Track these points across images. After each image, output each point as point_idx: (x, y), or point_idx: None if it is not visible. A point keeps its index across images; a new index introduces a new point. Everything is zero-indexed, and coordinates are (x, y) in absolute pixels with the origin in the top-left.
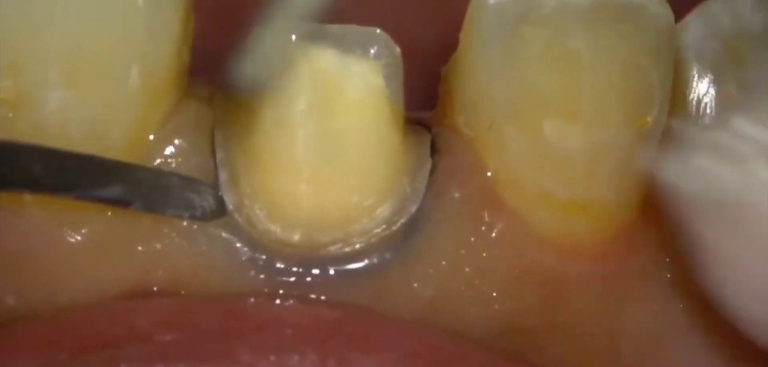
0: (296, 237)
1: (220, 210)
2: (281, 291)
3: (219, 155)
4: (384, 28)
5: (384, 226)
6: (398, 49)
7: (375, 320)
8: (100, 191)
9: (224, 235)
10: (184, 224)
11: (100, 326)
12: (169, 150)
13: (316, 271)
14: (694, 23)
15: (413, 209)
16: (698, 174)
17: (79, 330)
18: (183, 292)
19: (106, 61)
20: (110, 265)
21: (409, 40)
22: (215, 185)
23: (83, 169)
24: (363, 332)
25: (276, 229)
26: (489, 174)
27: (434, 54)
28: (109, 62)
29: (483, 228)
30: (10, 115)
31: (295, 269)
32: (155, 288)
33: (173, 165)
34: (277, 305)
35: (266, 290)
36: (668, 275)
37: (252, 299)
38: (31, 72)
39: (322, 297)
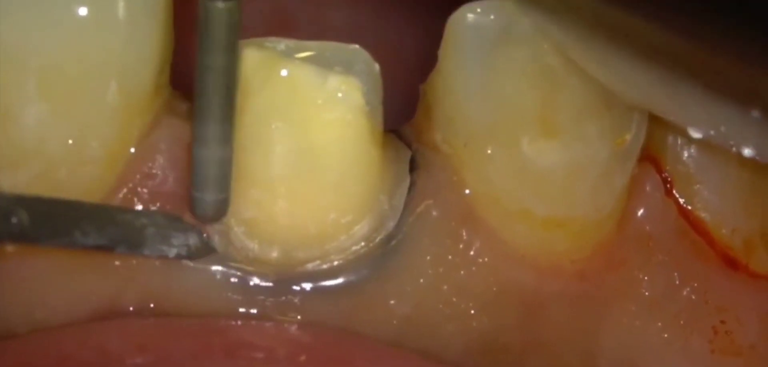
0: (273, 254)
1: (205, 248)
2: (257, 309)
3: None
4: (364, 41)
5: (362, 243)
6: (377, 66)
7: (348, 343)
8: (84, 239)
9: None
10: None
11: (72, 349)
12: (148, 165)
13: (293, 288)
14: None
15: (391, 226)
16: None
17: (50, 353)
18: (158, 308)
19: (84, 76)
20: (87, 281)
21: (389, 53)
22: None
23: (65, 216)
24: (336, 355)
25: (253, 246)
26: (467, 191)
27: (414, 67)
28: (88, 78)
29: (461, 246)
30: None
31: (271, 286)
32: (131, 305)
33: (153, 181)
34: (251, 327)
35: (242, 306)
36: (646, 293)
37: (225, 322)
38: (9, 87)
39: (298, 316)
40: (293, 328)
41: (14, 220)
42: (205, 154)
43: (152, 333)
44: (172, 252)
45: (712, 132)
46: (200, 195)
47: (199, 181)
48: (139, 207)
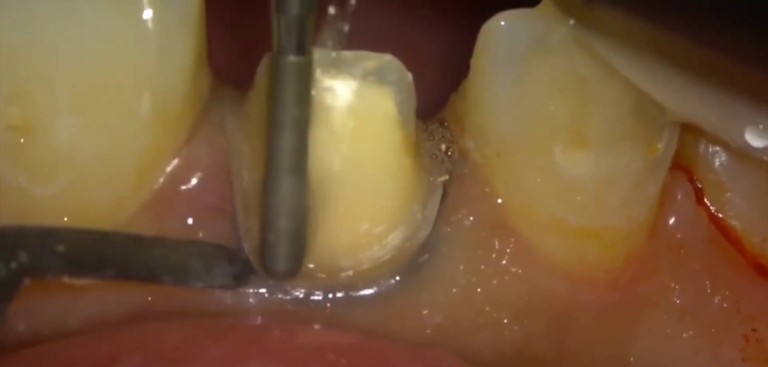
0: (307, 264)
1: (248, 275)
2: (289, 317)
3: (234, 183)
4: (388, 46)
5: (394, 253)
6: (410, 76)
7: (389, 345)
8: (128, 272)
9: None
10: None
11: (106, 353)
12: (184, 178)
13: (325, 297)
14: None
15: (424, 236)
16: None
17: (81, 358)
18: (189, 315)
19: (116, 88)
20: (118, 286)
21: (413, 57)
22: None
23: (109, 250)
24: (377, 354)
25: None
26: (500, 201)
27: (439, 72)
28: (120, 89)
29: (493, 255)
30: (21, 141)
31: (304, 294)
32: (163, 310)
33: (189, 194)
34: (287, 329)
35: (275, 315)
36: (677, 302)
37: (259, 326)
38: (40, 98)
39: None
40: (329, 331)
41: (59, 248)
42: (277, 207)
43: (186, 336)
44: (217, 281)
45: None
46: (272, 249)
47: (271, 235)
48: (175, 219)
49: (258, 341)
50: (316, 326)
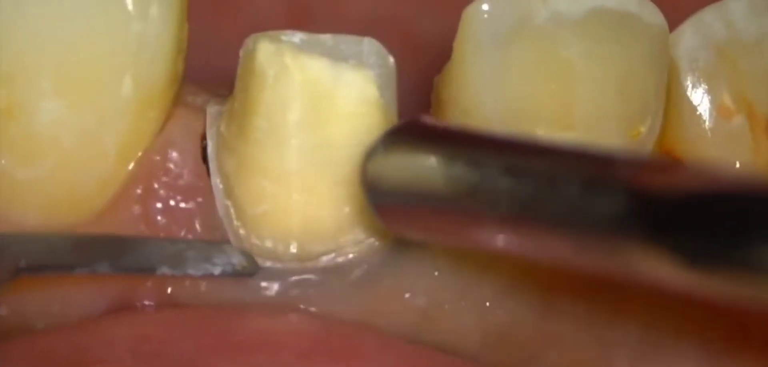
0: (288, 249)
1: (252, 266)
2: (271, 303)
3: (211, 165)
4: (381, 33)
5: (377, 236)
6: (392, 59)
7: (357, 334)
8: (125, 264)
9: None
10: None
11: (76, 346)
12: (163, 159)
13: (308, 282)
14: (687, 33)
15: None
16: None
17: (51, 351)
18: (174, 300)
19: (98, 70)
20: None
21: (406, 44)
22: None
23: (103, 248)
24: (344, 344)
25: (268, 239)
26: None
27: (431, 58)
28: (102, 72)
29: None
30: (5, 123)
31: (286, 279)
32: (147, 298)
33: (168, 175)
34: (256, 318)
35: (257, 301)
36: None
37: (228, 312)
38: (24, 81)
39: (312, 309)
40: (301, 318)
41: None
42: None
43: (160, 325)
44: (217, 270)
45: None
46: None
47: None
48: (156, 197)
49: (224, 333)
50: (291, 315)
